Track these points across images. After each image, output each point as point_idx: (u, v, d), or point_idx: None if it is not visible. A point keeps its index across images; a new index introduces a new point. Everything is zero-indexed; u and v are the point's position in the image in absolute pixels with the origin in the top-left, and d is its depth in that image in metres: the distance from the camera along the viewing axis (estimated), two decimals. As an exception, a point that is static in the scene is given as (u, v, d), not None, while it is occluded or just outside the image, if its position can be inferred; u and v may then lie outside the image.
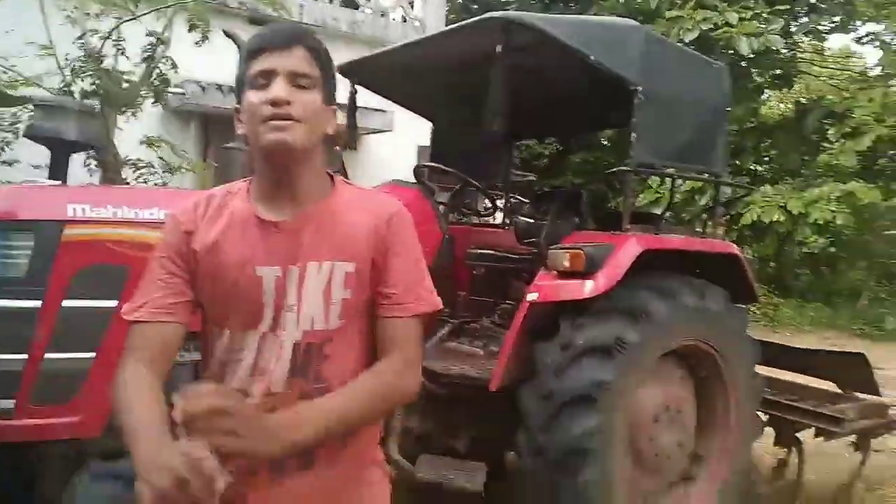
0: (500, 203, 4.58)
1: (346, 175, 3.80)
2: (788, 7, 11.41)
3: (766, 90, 14.24)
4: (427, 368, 3.13)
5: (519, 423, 2.99)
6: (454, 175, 3.61)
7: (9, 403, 2.15)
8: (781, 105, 15.98)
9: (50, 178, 2.67)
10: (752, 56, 10.71)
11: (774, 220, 10.89)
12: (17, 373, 2.15)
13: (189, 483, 0.98)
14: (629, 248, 3.00)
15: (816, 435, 3.99)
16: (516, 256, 3.77)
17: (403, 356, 1.31)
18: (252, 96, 1.27)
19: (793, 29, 12.30)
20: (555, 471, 2.90)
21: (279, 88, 1.24)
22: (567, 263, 2.99)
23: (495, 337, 3.56)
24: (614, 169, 3.33)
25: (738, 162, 12.36)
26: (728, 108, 3.65)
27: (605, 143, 13.88)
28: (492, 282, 3.99)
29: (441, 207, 3.51)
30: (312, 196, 1.33)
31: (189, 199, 1.38)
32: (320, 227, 1.31)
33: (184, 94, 7.25)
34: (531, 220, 3.96)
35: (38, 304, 2.18)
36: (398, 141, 8.68)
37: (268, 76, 1.26)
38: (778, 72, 12.94)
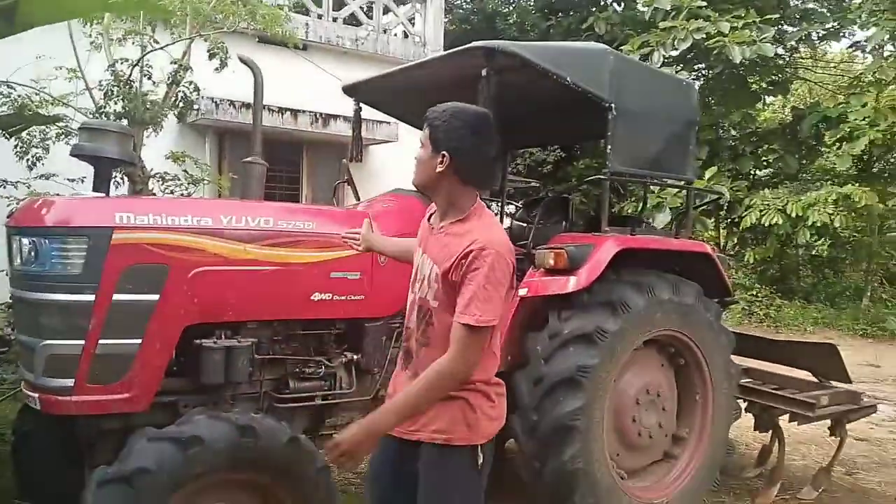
0: (496, 208, 4.93)
1: (353, 184, 4.15)
2: (778, 16, 11.68)
3: (763, 96, 14.52)
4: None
5: (514, 406, 3.33)
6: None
7: (69, 382, 2.50)
8: (787, 110, 16.26)
9: (94, 191, 3.03)
10: (745, 63, 10.98)
11: (774, 222, 11.13)
12: (76, 356, 2.50)
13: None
14: (607, 248, 3.35)
15: (790, 420, 4.28)
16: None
17: (451, 353, 1.92)
18: None
19: (788, 36, 12.59)
20: (544, 449, 3.22)
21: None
22: (552, 262, 3.33)
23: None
24: (590, 178, 3.68)
25: (736, 167, 12.61)
26: (697, 122, 3.98)
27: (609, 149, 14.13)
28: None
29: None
30: (447, 217, 2.07)
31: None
32: (440, 238, 2.06)
33: (199, 109, 7.64)
34: (523, 224, 4.30)
35: (91, 298, 2.53)
36: (402, 150, 9.03)
37: None
38: (774, 78, 13.22)
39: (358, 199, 4.16)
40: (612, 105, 3.40)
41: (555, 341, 3.27)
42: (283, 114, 8.69)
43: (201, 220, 2.81)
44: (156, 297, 2.63)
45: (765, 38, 10.62)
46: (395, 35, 10.63)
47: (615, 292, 3.34)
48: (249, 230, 2.90)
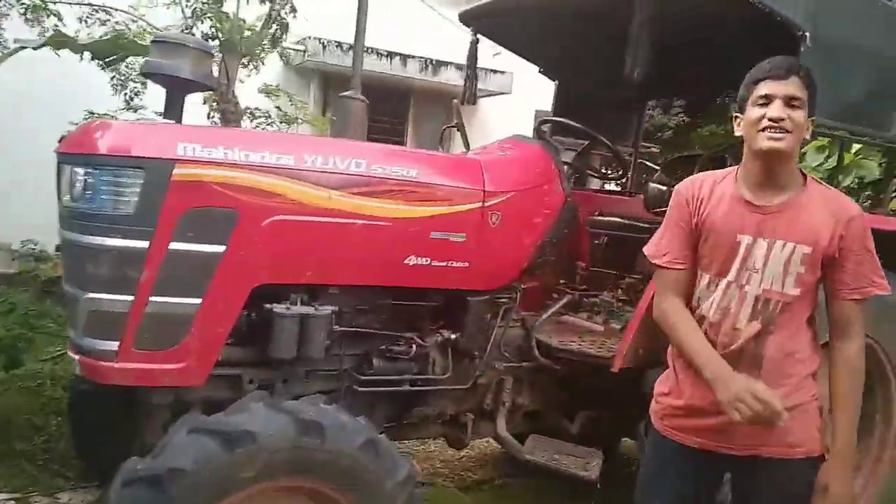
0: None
1: (464, 130, 3.57)
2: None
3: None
4: (542, 342, 2.94)
5: (643, 408, 2.72)
6: (581, 131, 3.29)
7: (113, 345, 2.08)
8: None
9: (165, 117, 2.59)
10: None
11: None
12: (123, 314, 2.07)
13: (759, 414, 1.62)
14: None
15: None
16: (644, 226, 3.42)
17: (855, 337, 1.81)
18: (755, 112, 1.75)
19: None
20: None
21: (776, 109, 1.71)
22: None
23: (617, 313, 3.29)
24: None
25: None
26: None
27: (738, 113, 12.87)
28: (614, 253, 3.67)
29: (565, 167, 3.21)
30: (787, 189, 1.79)
31: (690, 180, 1.93)
32: (790, 215, 1.77)
33: (305, 50, 7.25)
34: (663, 188, 3.58)
35: (145, 244, 2.08)
36: (516, 104, 8.38)
37: (768, 99, 1.73)
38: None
39: (468, 147, 3.58)
40: (807, 34, 2.63)
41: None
42: (391, 59, 8.18)
43: (281, 158, 2.30)
44: (221, 248, 2.16)
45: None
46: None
47: None
48: (337, 173, 2.38)
